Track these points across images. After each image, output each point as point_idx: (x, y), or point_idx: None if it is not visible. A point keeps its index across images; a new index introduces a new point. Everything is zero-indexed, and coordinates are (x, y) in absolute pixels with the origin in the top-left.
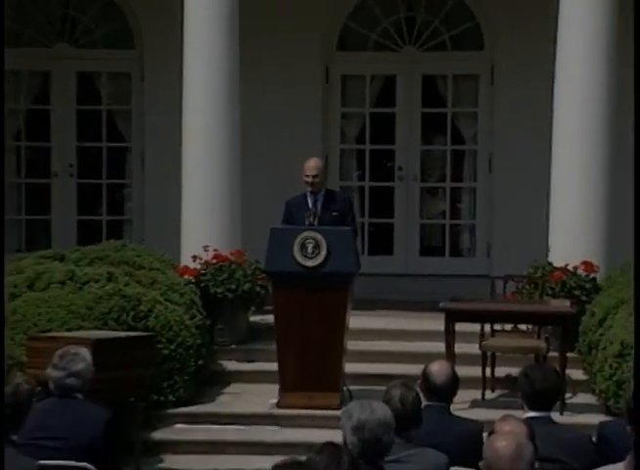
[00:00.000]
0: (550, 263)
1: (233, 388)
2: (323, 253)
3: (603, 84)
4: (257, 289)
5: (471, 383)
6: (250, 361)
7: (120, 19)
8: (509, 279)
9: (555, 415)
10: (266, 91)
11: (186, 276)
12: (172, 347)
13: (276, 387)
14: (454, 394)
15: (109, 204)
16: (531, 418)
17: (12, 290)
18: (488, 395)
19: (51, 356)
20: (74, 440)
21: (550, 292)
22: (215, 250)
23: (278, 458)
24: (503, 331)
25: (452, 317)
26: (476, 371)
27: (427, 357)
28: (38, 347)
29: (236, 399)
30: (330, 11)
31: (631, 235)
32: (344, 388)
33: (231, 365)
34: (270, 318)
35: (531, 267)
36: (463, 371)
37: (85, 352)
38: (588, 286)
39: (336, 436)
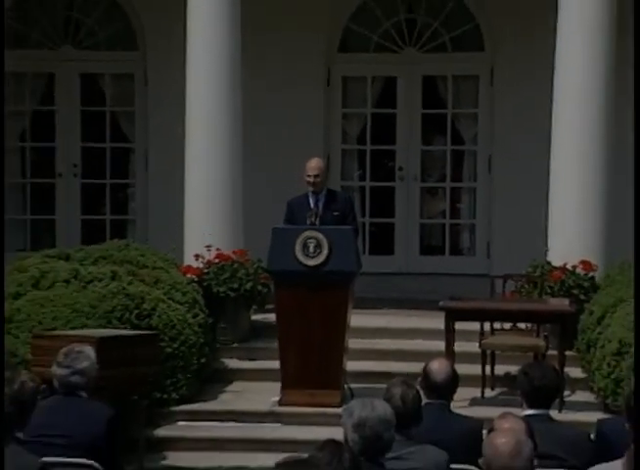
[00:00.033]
0: (549, 263)
1: (235, 386)
2: (324, 252)
3: (602, 87)
4: (259, 288)
5: (470, 381)
6: (252, 359)
7: (124, 20)
8: (508, 278)
9: (554, 413)
10: (268, 93)
11: (189, 275)
12: (175, 345)
13: (278, 385)
14: (454, 391)
15: (112, 203)
16: (530, 416)
17: (17, 288)
18: (488, 392)
19: (56, 354)
20: (78, 437)
21: (549, 291)
22: (218, 249)
23: (280, 455)
24: (502, 329)
25: (452, 316)
26: (475, 369)
27: (427, 356)
28: (43, 345)
29: (238, 396)
30: (331, 13)
31: (629, 235)
32: (346, 386)
33: (233, 363)
34: (272, 317)
35: (530, 266)
36: (463, 369)
37: (89, 350)
38: (587, 285)
39: (337, 433)
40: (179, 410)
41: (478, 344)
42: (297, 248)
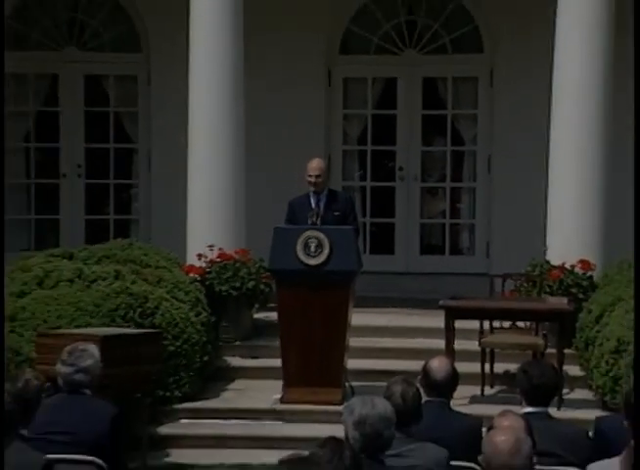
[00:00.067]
0: (548, 262)
1: (237, 383)
2: (325, 251)
3: (600, 85)
4: (261, 287)
5: (470, 379)
6: (254, 358)
7: (127, 23)
8: (507, 277)
9: (552, 410)
10: (269, 94)
11: (191, 274)
12: (178, 343)
13: (279, 383)
14: (454, 389)
15: (116, 203)
16: (529, 413)
17: (21, 287)
18: (487, 390)
19: (60, 353)
20: (82, 435)
21: (548, 290)
22: (220, 248)
23: (281, 452)
24: (502, 328)
25: (452, 315)
26: (475, 367)
27: (427, 354)
28: (47, 343)
29: (240, 394)
30: (332, 15)
31: (628, 234)
32: (346, 384)
33: (235, 361)
34: (274, 315)
35: (530, 266)
36: (462, 367)
37: (93, 349)
38: (585, 284)
39: (338, 430)
40: (182, 408)
41: (477, 342)
42: (299, 247)
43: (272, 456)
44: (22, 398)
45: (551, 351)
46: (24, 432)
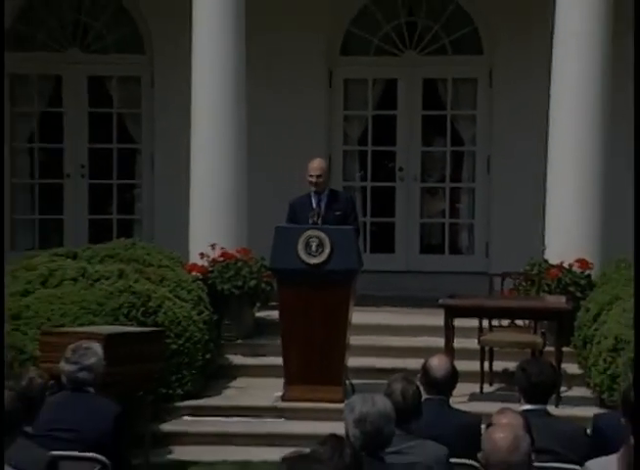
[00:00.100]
0: (546, 261)
1: (239, 381)
2: (326, 251)
3: (598, 87)
4: (263, 286)
5: (469, 377)
6: (255, 356)
7: (131, 24)
8: (506, 276)
9: (551, 408)
10: (270, 95)
11: (194, 273)
12: (181, 341)
13: (281, 381)
14: (453, 387)
15: (119, 203)
16: (528, 411)
17: (26, 286)
18: (486, 388)
19: (64, 351)
20: (86, 432)
21: (546, 288)
22: (222, 248)
23: (283, 450)
24: (501, 326)
25: (451, 313)
26: (474, 365)
27: (427, 352)
28: (51, 341)
29: (242, 392)
30: (333, 16)
31: (625, 234)
32: (347, 382)
33: (237, 359)
34: (275, 314)
35: (528, 265)
36: (462, 365)
37: (97, 347)
38: (583, 283)
39: (338, 428)
40: (184, 406)
41: (476, 340)
42: (300, 246)
43: (274, 453)
44: (27, 395)
45: (549, 349)
46: (29, 429)
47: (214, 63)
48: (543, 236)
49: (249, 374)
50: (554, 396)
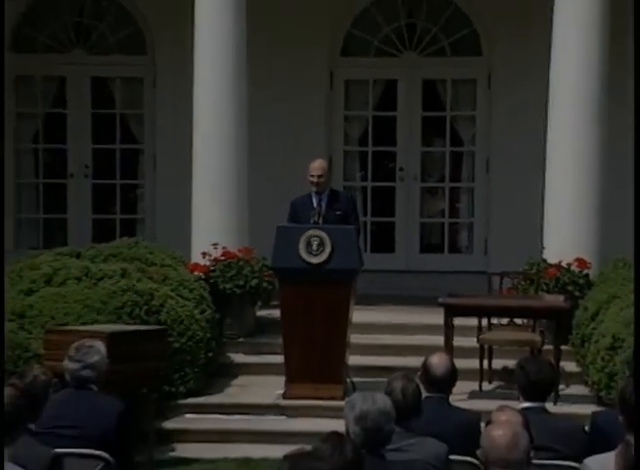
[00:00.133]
0: (545, 260)
1: (241, 379)
2: (327, 250)
3: (597, 88)
4: (264, 285)
5: (469, 375)
6: (257, 354)
7: (133, 26)
8: (505, 275)
9: (549, 406)
10: (272, 97)
11: (196, 273)
12: (183, 340)
13: (282, 378)
14: (453, 385)
15: (122, 203)
16: (527, 408)
17: (30, 285)
18: (485, 386)
19: (67, 349)
20: (89, 430)
21: (544, 287)
22: (224, 247)
23: (284, 447)
24: (500, 325)
25: (451, 312)
26: (473, 363)
27: (427, 350)
28: (55, 339)
29: (244, 390)
30: (334, 18)
31: (622, 233)
32: (348, 379)
33: (239, 358)
34: (277, 313)
35: (527, 264)
36: (461, 363)
37: (100, 345)
38: (581, 282)
39: (339, 425)
40: (187, 403)
41: (476, 339)
42: (301, 246)
43: (275, 451)
44: (30, 393)
45: (548, 347)
46: (32, 426)
47: (216, 63)
48: (542, 236)
49: (250, 372)
50: (552, 393)
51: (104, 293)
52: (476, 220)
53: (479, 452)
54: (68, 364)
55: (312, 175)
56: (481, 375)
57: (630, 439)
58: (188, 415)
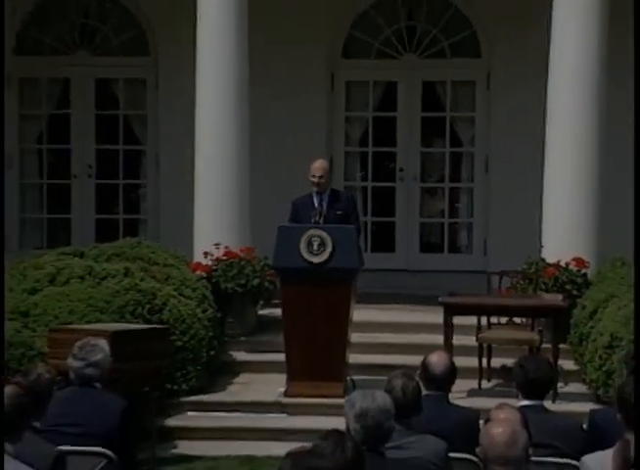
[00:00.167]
0: (543, 260)
1: (242, 377)
2: (328, 250)
3: (595, 88)
4: (266, 284)
5: (468, 373)
6: (258, 352)
7: (137, 28)
8: (504, 275)
9: (548, 404)
10: (273, 98)
11: (198, 272)
12: (185, 338)
13: (283, 377)
14: (452, 383)
15: (125, 203)
16: (525, 406)
17: (34, 284)
18: (485, 384)
19: (71, 347)
20: (93, 427)
21: (543, 287)
22: (226, 247)
23: (285, 444)
24: (499, 324)
25: (450, 311)
26: (473, 362)
27: (426, 349)
28: (59, 338)
29: (245, 388)
30: (334, 21)
31: (620, 233)
32: (348, 378)
33: (241, 356)
34: (278, 312)
35: (526, 263)
36: (460, 362)
37: (103, 344)
38: (579, 281)
39: (340, 423)
40: (189, 401)
41: (475, 337)
42: (302, 245)
43: (276, 448)
44: (35, 390)
45: (546, 346)
46: (37, 424)
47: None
48: (540, 235)
49: (252, 370)
50: (551, 391)
51: (107, 292)
52: (475, 220)
53: (478, 450)
54: (71, 362)
55: (313, 175)
56: (481, 373)
57: (628, 436)
58: (190, 413)
